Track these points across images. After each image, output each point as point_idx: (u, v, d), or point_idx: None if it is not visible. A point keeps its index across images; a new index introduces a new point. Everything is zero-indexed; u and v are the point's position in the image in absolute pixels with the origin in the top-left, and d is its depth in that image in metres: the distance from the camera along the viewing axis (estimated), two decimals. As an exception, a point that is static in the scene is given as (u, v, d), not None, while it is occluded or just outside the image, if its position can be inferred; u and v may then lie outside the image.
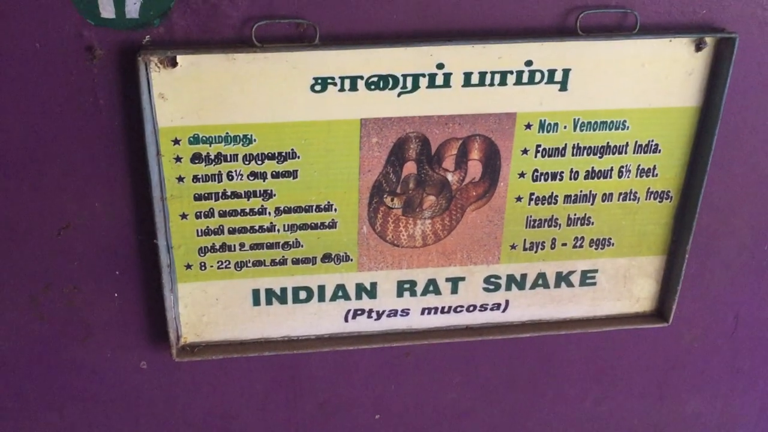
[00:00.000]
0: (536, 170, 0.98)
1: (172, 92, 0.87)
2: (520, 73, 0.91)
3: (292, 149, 0.93)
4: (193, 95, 0.88)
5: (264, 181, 0.94)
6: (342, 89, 0.90)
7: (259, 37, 0.86)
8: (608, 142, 0.97)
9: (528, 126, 0.95)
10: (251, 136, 0.91)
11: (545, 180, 0.99)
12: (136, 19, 0.83)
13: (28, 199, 0.92)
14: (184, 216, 0.95)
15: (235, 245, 0.97)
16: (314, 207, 0.96)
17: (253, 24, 0.85)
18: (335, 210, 0.97)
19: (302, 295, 1.02)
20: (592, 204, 1.01)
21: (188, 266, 0.98)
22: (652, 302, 1.10)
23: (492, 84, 0.92)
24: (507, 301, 1.07)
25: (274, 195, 0.95)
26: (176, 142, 0.90)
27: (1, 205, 0.92)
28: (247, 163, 0.93)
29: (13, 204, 0.92)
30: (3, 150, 0.89)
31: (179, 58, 0.85)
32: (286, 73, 0.88)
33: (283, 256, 0.99)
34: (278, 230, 0.97)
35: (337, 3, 0.86)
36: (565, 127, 0.95)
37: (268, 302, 1.01)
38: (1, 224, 0.93)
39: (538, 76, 0.92)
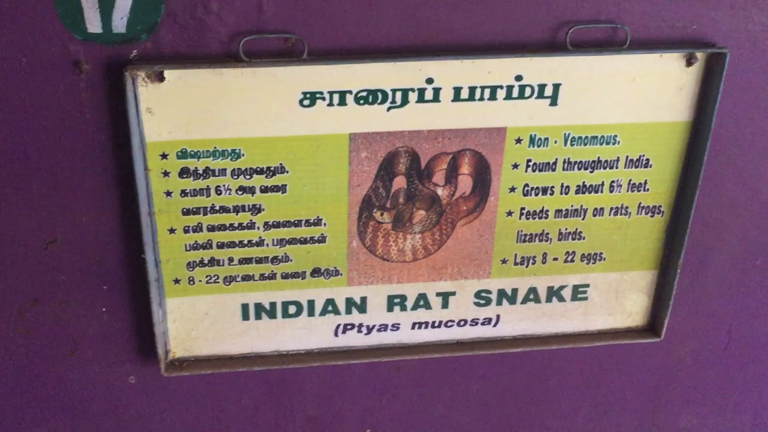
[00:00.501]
0: (527, 185, 0.97)
1: (159, 107, 0.87)
2: (510, 88, 0.91)
3: (281, 164, 0.92)
4: (180, 110, 0.87)
5: (253, 195, 0.93)
6: (331, 104, 0.89)
7: (247, 51, 0.85)
8: (599, 157, 0.97)
9: (518, 141, 0.95)
10: (240, 150, 0.91)
11: (536, 194, 0.98)
12: (123, 33, 0.83)
13: (15, 213, 0.91)
14: (172, 230, 0.94)
15: (223, 260, 0.97)
16: (303, 221, 0.96)
17: (241, 39, 0.85)
18: (325, 224, 0.96)
19: (292, 309, 1.01)
20: (583, 219, 1.00)
21: (177, 281, 0.97)
22: (645, 317, 1.09)
23: (482, 99, 0.91)
24: (498, 316, 1.06)
25: (263, 209, 0.94)
26: (164, 156, 0.90)
27: (-12, 220, 0.92)
28: (235, 177, 0.92)
29: (0, 218, 0.92)
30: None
31: (167, 73, 0.85)
32: (274, 87, 0.87)
33: (272, 271, 0.98)
34: (267, 245, 0.96)
35: (326, 18, 0.86)
36: (555, 142, 0.95)
37: (258, 317, 1.01)
38: (-13, 238, 0.93)
39: (528, 90, 0.91)
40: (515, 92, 0.91)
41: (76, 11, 0.81)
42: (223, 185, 0.92)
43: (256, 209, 0.94)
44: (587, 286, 1.05)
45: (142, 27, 0.83)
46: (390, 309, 1.03)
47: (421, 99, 0.90)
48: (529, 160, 0.96)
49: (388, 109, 0.90)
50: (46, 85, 0.85)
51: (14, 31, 0.82)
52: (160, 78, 0.85)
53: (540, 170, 0.97)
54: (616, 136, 0.95)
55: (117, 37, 0.83)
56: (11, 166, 0.89)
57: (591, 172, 0.98)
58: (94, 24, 0.82)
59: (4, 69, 0.84)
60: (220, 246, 0.96)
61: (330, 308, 1.02)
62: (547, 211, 0.99)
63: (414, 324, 1.05)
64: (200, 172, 0.91)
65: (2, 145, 0.88)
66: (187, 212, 0.93)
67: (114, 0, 0.81)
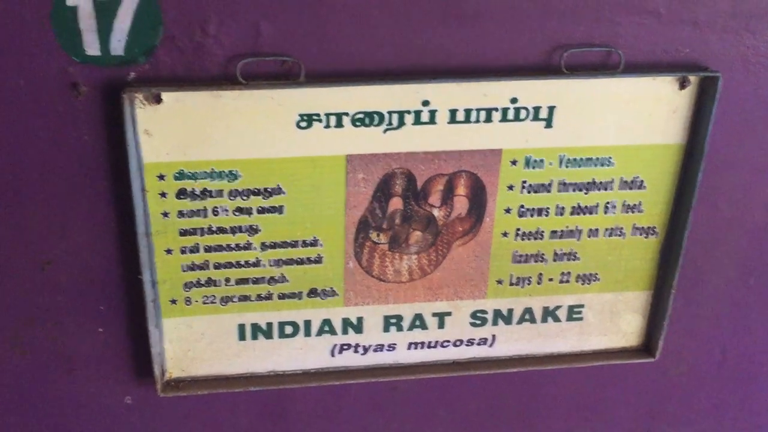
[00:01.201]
0: (522, 206, 0.98)
1: (157, 128, 0.87)
2: (505, 110, 0.92)
3: (278, 185, 0.93)
4: (178, 131, 0.88)
5: (250, 216, 0.94)
6: (327, 126, 0.90)
7: (244, 73, 0.86)
8: (594, 179, 0.97)
9: (514, 162, 0.95)
10: (237, 171, 0.91)
11: (531, 216, 0.99)
12: (121, 56, 0.83)
13: (12, 233, 0.92)
14: (169, 251, 0.94)
15: (220, 280, 0.97)
16: (300, 242, 0.96)
17: (239, 61, 0.85)
18: (321, 245, 0.97)
19: (288, 329, 1.01)
20: (578, 239, 1.01)
21: (173, 301, 0.97)
22: (639, 337, 1.09)
23: (477, 121, 0.92)
24: (494, 336, 1.06)
25: (260, 230, 0.95)
26: (161, 177, 0.90)
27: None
28: (232, 198, 0.92)
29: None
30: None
31: (164, 95, 0.85)
32: (271, 109, 0.88)
33: (268, 291, 0.98)
34: (264, 265, 0.97)
35: (322, 40, 0.86)
36: (550, 164, 0.96)
37: (254, 337, 1.01)
38: (-17, 259, 0.93)
39: (523, 113, 0.92)
40: (511, 114, 0.92)
41: (74, 34, 0.81)
42: (220, 206, 0.93)
43: (253, 230, 0.95)
44: (582, 306, 1.06)
45: (140, 50, 0.83)
46: (386, 329, 1.04)
47: (417, 121, 0.91)
48: (524, 182, 0.97)
49: (385, 130, 0.91)
50: (43, 106, 0.85)
51: (12, 53, 0.82)
52: (158, 100, 0.86)
53: (535, 191, 0.97)
54: (610, 157, 0.96)
55: (115, 59, 0.83)
56: (8, 186, 0.89)
57: (586, 193, 0.98)
58: (92, 46, 0.82)
59: (1, 90, 0.84)
60: (217, 267, 0.96)
61: (326, 328, 1.02)
62: (543, 232, 1.00)
63: (410, 344, 1.05)
64: (197, 193, 0.92)
65: None
66: (184, 233, 0.93)
67: (112, 23, 0.81)
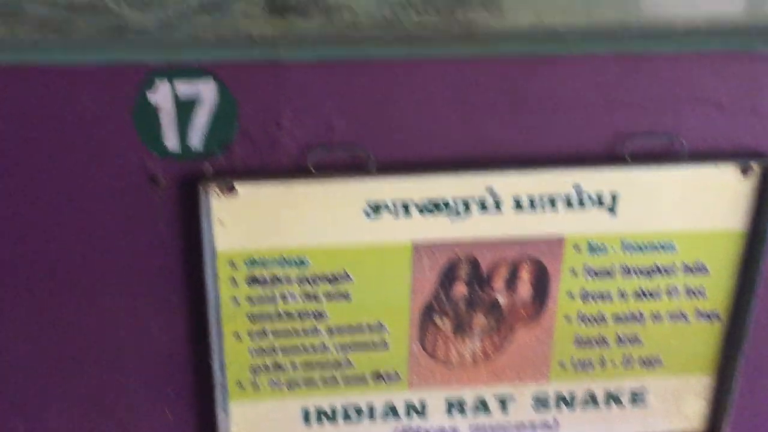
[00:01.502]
0: (585, 290, 0.99)
1: (230, 218, 0.90)
2: (568, 198, 0.93)
3: (345, 271, 0.94)
4: (250, 220, 0.90)
5: (317, 302, 0.96)
6: (395, 214, 0.92)
7: (316, 164, 0.88)
8: (656, 264, 0.98)
9: (577, 248, 0.96)
10: (305, 258, 0.93)
11: (594, 300, 0.99)
12: (199, 151, 0.86)
13: (86, 320, 0.94)
14: (237, 336, 0.96)
15: (287, 365, 0.98)
16: (366, 327, 0.97)
17: (310, 153, 0.88)
18: (386, 330, 0.98)
19: (353, 413, 1.02)
20: (641, 323, 1.01)
21: (240, 385, 0.99)
22: (704, 421, 1.09)
23: (542, 208, 0.93)
24: (556, 420, 1.06)
25: (327, 316, 0.96)
26: (233, 265, 0.92)
27: (58, 326, 0.94)
28: (301, 285, 0.94)
29: (69, 324, 0.94)
30: (65, 271, 0.92)
31: (238, 186, 0.88)
32: (340, 198, 0.90)
33: (334, 376, 1.00)
34: (330, 350, 0.98)
35: (392, 132, 0.89)
36: (613, 249, 0.97)
37: (319, 421, 1.02)
38: (56, 344, 0.95)
39: (586, 200, 0.94)
40: (574, 202, 0.94)
41: (155, 130, 0.85)
42: (289, 292, 0.95)
43: (320, 315, 0.96)
44: (645, 390, 1.05)
45: (217, 144, 0.86)
46: (449, 413, 1.04)
47: (482, 209, 0.93)
48: (587, 267, 0.97)
49: (451, 218, 0.93)
50: (123, 198, 0.88)
51: (95, 147, 0.86)
52: (232, 191, 0.88)
53: (598, 276, 0.98)
54: (673, 243, 0.97)
55: (193, 154, 0.87)
56: (84, 271, 0.92)
57: (648, 278, 0.99)
58: (171, 142, 0.86)
59: (82, 182, 0.87)
60: (284, 351, 0.97)
61: (390, 412, 1.03)
62: (605, 316, 1.00)
63: (473, 428, 1.05)
64: (267, 279, 0.94)
65: (77, 254, 0.91)
66: (253, 318, 0.95)
67: (192, 120, 0.85)
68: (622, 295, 1.00)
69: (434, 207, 0.92)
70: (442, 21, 0.87)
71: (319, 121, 0.87)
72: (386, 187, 0.90)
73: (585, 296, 0.99)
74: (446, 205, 0.92)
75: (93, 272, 0.92)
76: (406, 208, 0.92)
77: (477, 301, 0.98)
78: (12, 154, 0.85)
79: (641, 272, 0.98)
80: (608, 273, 0.98)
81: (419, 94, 0.88)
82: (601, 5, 0.89)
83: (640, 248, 0.97)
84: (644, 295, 1.00)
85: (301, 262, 0.93)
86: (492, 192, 0.92)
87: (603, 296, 0.99)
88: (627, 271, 0.98)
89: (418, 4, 0.88)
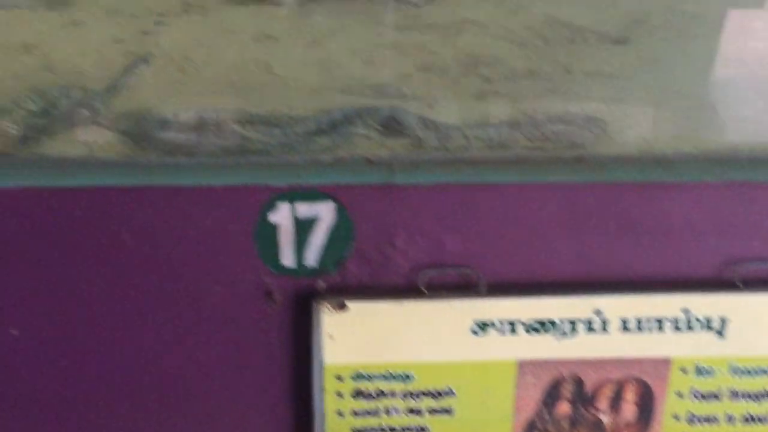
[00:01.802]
0: (691, 413, 0.98)
1: (339, 333, 0.92)
2: (676, 321, 0.93)
3: (449, 387, 0.95)
4: (359, 336, 0.92)
5: (420, 417, 0.96)
6: (501, 332, 0.93)
7: (426, 284, 0.90)
8: (765, 388, 0.97)
9: (683, 370, 0.96)
10: (411, 374, 0.94)
11: (700, 423, 0.98)
12: (315, 268, 0.89)
13: (195, 427, 0.96)
14: (341, 448, 0.97)
15: (389, 477, 0.99)
16: (468, 443, 0.98)
17: (421, 273, 0.90)
18: (489, 447, 0.98)
19: None
20: (748, 448, 0.99)
21: (341, 497, 0.99)
22: None
23: (649, 330, 0.93)
24: None
25: (430, 430, 0.97)
26: (340, 378, 0.94)
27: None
28: (405, 399, 0.95)
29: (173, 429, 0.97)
30: (177, 377, 0.94)
31: (349, 303, 0.90)
32: (448, 317, 0.92)
33: (434, 490, 0.99)
34: (432, 465, 0.98)
35: (502, 253, 0.90)
36: (721, 372, 0.96)
37: None
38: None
39: (695, 323, 0.93)
40: (682, 325, 0.93)
41: (273, 248, 0.87)
42: (393, 407, 0.95)
43: (423, 430, 0.97)
44: None
45: (331, 262, 0.89)
46: None
47: (589, 329, 0.93)
48: (693, 390, 0.96)
49: (557, 337, 0.93)
50: (238, 312, 0.91)
51: (215, 263, 0.89)
52: (343, 307, 0.90)
53: (705, 399, 0.97)
54: (784, 368, 0.96)
55: (308, 271, 0.89)
56: (196, 379, 0.94)
57: (757, 402, 0.97)
58: (288, 259, 0.88)
59: (200, 295, 0.90)
60: (387, 464, 0.98)
61: None
62: (711, 439, 0.99)
63: None
64: (372, 393, 0.95)
65: (188, 363, 0.93)
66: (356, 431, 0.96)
67: (309, 239, 0.87)
68: (730, 419, 0.98)
69: (541, 326, 0.93)
70: (552, 146, 0.89)
71: (431, 241, 0.89)
72: (494, 307, 0.91)
73: (691, 419, 0.98)
74: (553, 324, 0.93)
75: (203, 380, 0.94)
76: (512, 326, 0.92)
77: (580, 420, 0.98)
78: (140, 270, 0.89)
79: (750, 396, 0.97)
80: (715, 396, 0.97)
81: (529, 217, 0.89)
82: (709, 132, 0.91)
83: (749, 372, 0.96)
84: (752, 419, 0.98)
85: (407, 377, 0.94)
86: (599, 313, 0.92)
87: (709, 419, 0.98)
88: (735, 394, 0.97)
89: (526, 128, 0.90)
